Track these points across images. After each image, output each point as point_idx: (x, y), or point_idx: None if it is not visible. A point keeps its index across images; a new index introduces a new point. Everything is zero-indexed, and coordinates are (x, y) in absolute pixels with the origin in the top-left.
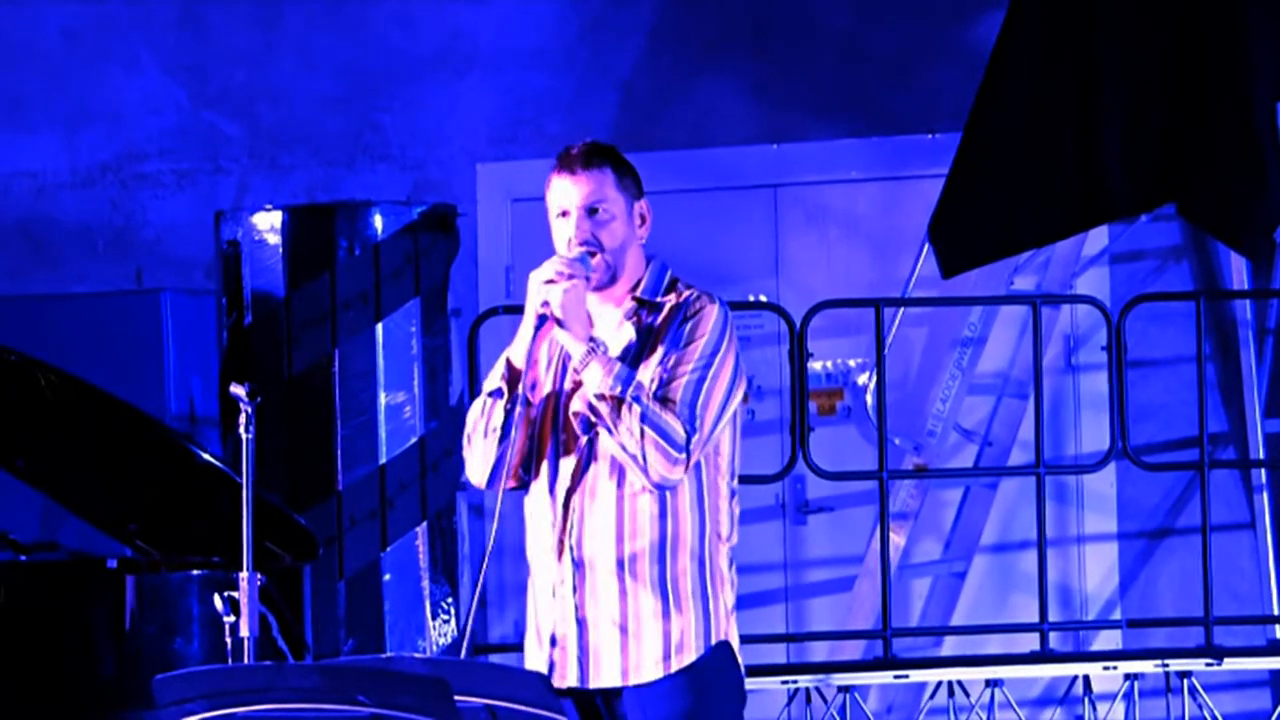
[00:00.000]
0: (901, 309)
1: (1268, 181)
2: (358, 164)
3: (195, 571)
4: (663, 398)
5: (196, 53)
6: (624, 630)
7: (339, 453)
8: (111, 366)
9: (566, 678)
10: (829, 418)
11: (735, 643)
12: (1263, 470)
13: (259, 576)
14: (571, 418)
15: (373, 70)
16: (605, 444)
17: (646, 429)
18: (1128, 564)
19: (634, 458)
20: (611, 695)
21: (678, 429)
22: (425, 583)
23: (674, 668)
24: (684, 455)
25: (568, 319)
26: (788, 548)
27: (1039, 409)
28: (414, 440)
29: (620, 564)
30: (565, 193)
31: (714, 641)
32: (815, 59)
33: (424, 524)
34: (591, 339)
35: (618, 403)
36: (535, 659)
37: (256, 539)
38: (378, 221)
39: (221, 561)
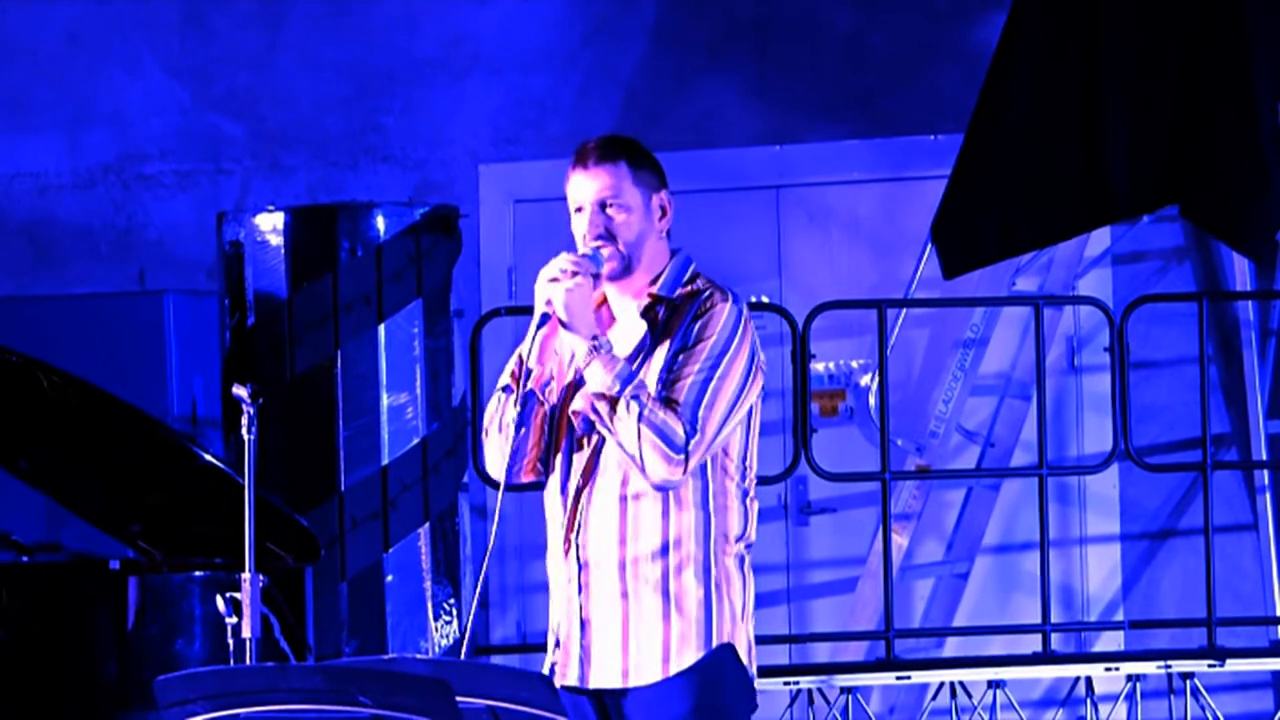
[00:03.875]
0: (904, 310)
1: (1270, 182)
2: (360, 165)
3: (197, 572)
4: (666, 398)
5: (199, 54)
6: (625, 631)
7: (341, 454)
8: (114, 368)
9: (567, 677)
10: (831, 419)
11: (744, 644)
12: (1265, 471)
13: (261, 577)
14: (571, 416)
15: (375, 71)
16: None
17: (644, 429)
18: (1130, 565)
19: (632, 458)
20: (616, 696)
21: (677, 430)
22: (427, 584)
23: (674, 669)
24: (683, 457)
25: (571, 318)
26: (790, 549)
27: (1041, 410)
28: (416, 441)
29: (622, 565)
30: (580, 188)
31: (715, 644)
32: (817, 60)
33: (426, 525)
34: (595, 337)
35: (615, 402)
36: (548, 658)
37: (258, 540)
38: (380, 222)
39: (224, 562)
